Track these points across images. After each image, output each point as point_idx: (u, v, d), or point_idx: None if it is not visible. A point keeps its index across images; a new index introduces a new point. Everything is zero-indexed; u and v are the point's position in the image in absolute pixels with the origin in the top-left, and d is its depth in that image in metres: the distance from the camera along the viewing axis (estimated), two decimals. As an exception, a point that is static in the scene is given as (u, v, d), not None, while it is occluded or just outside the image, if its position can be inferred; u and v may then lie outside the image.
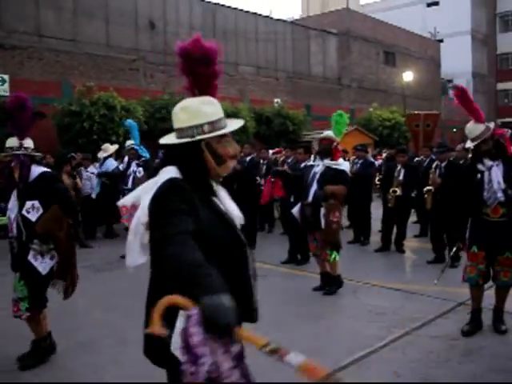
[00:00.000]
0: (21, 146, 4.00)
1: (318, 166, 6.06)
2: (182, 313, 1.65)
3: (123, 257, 6.38)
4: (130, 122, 9.26)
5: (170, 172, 1.97)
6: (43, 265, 3.93)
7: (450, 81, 36.35)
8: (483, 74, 38.87)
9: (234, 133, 2.07)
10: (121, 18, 17.63)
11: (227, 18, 21.06)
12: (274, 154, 11.03)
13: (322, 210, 5.74)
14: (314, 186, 5.93)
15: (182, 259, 1.65)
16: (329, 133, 6.17)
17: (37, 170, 4.05)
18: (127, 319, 4.94)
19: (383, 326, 4.81)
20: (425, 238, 9.46)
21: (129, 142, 8.92)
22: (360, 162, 9.46)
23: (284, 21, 25.51)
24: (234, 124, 2.10)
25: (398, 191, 8.22)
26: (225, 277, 1.71)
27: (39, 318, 4.04)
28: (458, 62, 35.59)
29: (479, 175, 4.55)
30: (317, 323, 5.00)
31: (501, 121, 38.49)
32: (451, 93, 36.41)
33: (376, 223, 9.28)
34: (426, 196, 7.37)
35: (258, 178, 9.62)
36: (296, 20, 27.72)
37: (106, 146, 10.39)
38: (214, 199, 2.05)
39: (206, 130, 1.97)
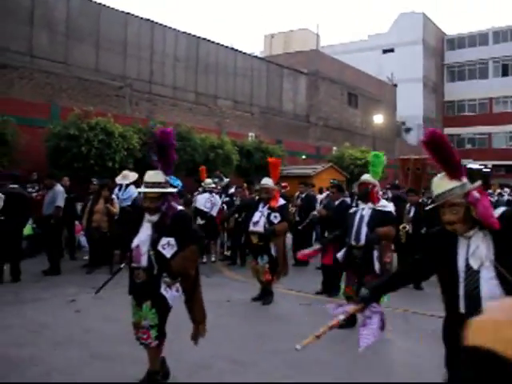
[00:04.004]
0: (167, 183, 4.02)
1: (364, 209, 5.99)
2: None
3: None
4: None
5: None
6: (171, 297, 4.00)
7: (403, 123, 38.54)
8: (432, 118, 41.50)
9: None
10: (110, 44, 17.78)
11: (209, 52, 21.63)
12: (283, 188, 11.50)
13: (375, 253, 5.74)
14: (364, 229, 5.83)
15: None
16: (366, 177, 6.12)
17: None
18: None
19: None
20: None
21: None
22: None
23: (260, 58, 26.44)
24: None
25: (408, 227, 8.85)
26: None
27: (161, 348, 4.11)
28: (411, 106, 37.89)
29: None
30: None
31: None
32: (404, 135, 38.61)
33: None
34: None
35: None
36: (269, 57, 28.70)
37: (126, 173, 10.45)
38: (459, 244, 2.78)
39: (434, 200, 2.83)
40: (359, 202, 6.28)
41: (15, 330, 5.50)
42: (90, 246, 9.35)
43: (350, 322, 5.99)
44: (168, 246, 3.94)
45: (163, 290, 3.95)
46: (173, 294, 3.99)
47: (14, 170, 12.27)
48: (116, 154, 13.30)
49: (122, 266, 4.48)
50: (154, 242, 3.94)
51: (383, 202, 6.10)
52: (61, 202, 8.68)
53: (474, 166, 39.58)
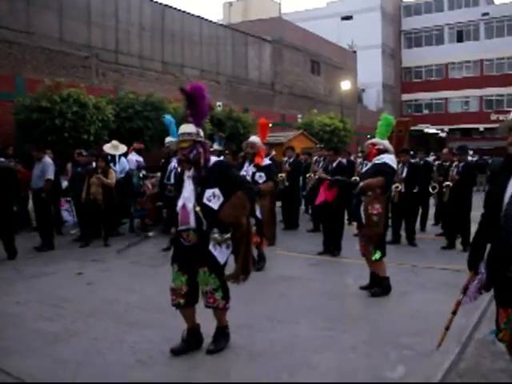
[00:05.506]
0: (198, 134, 3.93)
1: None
2: None
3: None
4: (168, 117, 8.59)
5: None
6: (221, 254, 3.87)
7: (363, 90, 38.98)
8: (391, 85, 42.18)
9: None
10: (74, 11, 17.00)
11: (174, 20, 21.06)
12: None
13: (362, 205, 5.74)
14: (360, 184, 5.97)
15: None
16: (374, 139, 6.20)
17: (212, 158, 4.02)
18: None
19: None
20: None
21: (168, 139, 8.43)
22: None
23: (225, 26, 25.98)
24: None
25: (400, 187, 9.06)
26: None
27: (228, 306, 4.05)
28: (370, 73, 38.27)
29: None
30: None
31: (405, 129, 41.95)
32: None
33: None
34: (444, 190, 8.32)
35: None
36: (232, 24, 28.20)
37: (116, 143, 10.21)
38: None
39: None
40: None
41: (35, 305, 5.38)
42: (81, 219, 9.13)
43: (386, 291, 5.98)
44: (214, 198, 3.83)
45: (211, 248, 3.81)
46: (222, 250, 3.86)
47: (-15, 145, 11.78)
48: (91, 126, 12.91)
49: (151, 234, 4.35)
50: (198, 197, 3.83)
51: (381, 156, 5.92)
52: (51, 175, 8.35)
53: (431, 130, 40.79)
